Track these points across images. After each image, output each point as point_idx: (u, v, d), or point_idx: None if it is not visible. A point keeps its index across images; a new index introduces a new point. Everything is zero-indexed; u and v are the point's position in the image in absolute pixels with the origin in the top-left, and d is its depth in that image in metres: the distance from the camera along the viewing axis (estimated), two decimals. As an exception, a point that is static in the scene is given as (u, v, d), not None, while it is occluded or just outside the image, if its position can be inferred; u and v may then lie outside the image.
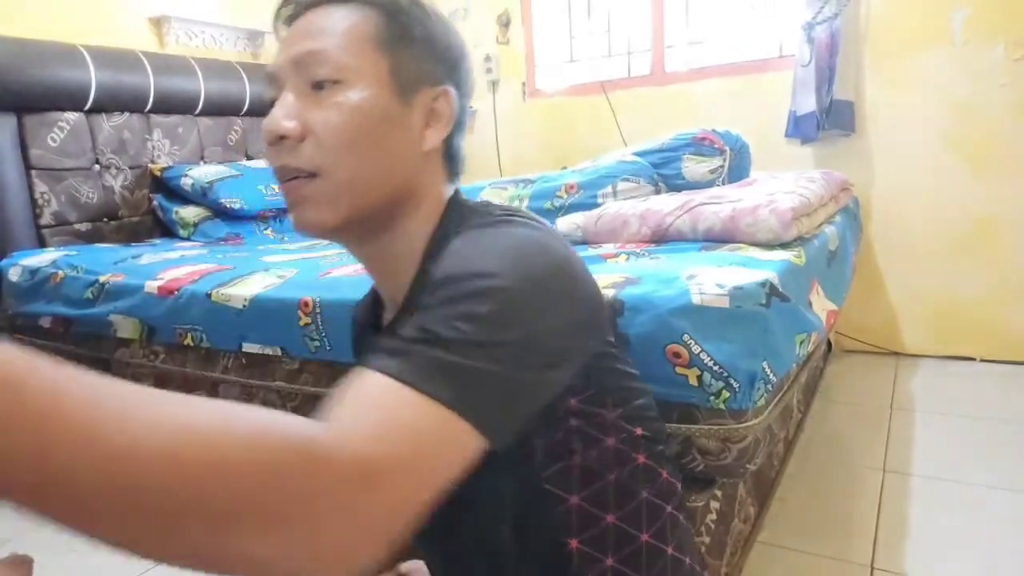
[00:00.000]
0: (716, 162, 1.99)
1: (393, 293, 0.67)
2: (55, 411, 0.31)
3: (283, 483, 0.35)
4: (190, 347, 1.68)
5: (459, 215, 0.66)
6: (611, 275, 1.20)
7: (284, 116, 0.58)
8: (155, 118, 2.61)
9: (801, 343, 1.28)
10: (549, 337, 0.52)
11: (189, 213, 2.50)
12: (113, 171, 2.47)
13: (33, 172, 2.23)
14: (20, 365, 0.31)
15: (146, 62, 2.51)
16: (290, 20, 0.63)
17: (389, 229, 0.64)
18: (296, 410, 1.54)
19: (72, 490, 0.31)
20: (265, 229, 2.60)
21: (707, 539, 1.16)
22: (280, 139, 0.58)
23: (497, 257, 0.51)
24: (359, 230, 0.63)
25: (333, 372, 1.46)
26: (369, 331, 0.74)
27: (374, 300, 0.75)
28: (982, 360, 2.52)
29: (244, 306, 1.55)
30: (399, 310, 0.66)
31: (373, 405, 0.42)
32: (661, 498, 0.70)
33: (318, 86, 0.59)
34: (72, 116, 2.34)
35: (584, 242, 1.67)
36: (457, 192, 0.69)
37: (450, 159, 0.68)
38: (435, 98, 0.64)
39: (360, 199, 0.60)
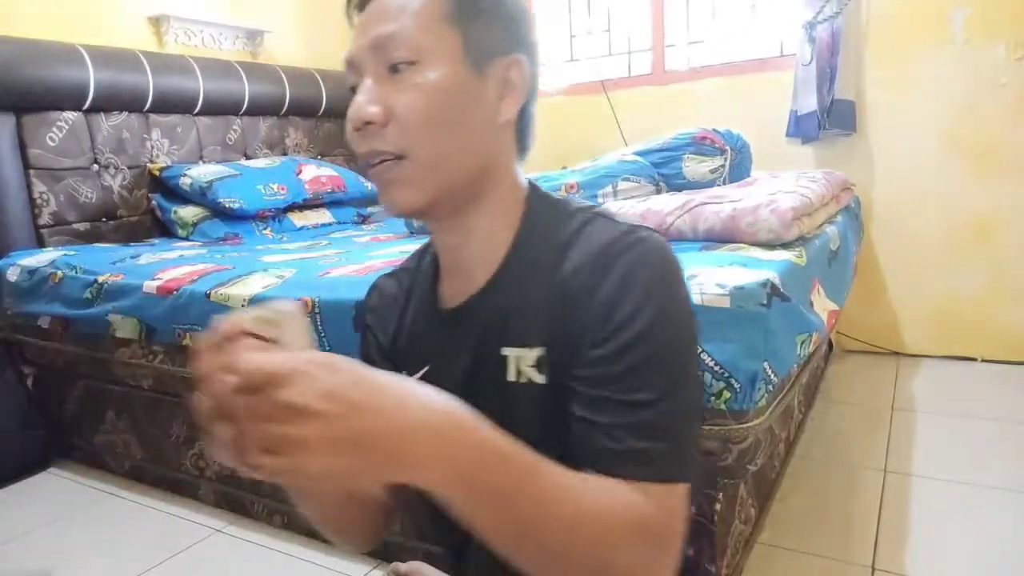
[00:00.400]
0: (717, 162, 1.99)
1: (467, 265, 0.66)
2: (526, 477, 0.47)
3: (643, 558, 0.52)
4: (189, 347, 1.67)
5: (550, 207, 0.67)
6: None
7: (367, 102, 0.59)
8: (154, 117, 2.60)
9: (802, 343, 1.27)
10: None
11: (188, 213, 2.49)
12: (112, 171, 2.46)
13: (32, 172, 2.23)
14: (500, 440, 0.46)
15: (145, 61, 2.50)
16: (362, 4, 0.63)
17: (471, 203, 0.64)
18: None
19: (511, 521, 0.47)
20: (264, 229, 2.59)
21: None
22: (366, 125, 0.59)
23: (668, 301, 0.58)
24: (445, 207, 0.63)
25: (332, 372, 1.45)
26: (428, 303, 0.71)
27: (434, 271, 0.72)
28: (983, 360, 2.52)
29: (243, 306, 1.54)
30: (481, 291, 0.65)
31: (653, 507, 0.53)
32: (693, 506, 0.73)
33: (395, 69, 0.59)
34: (71, 116, 2.34)
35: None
36: (532, 183, 0.69)
37: (522, 130, 0.67)
38: (508, 68, 0.63)
39: (445, 177, 0.61)
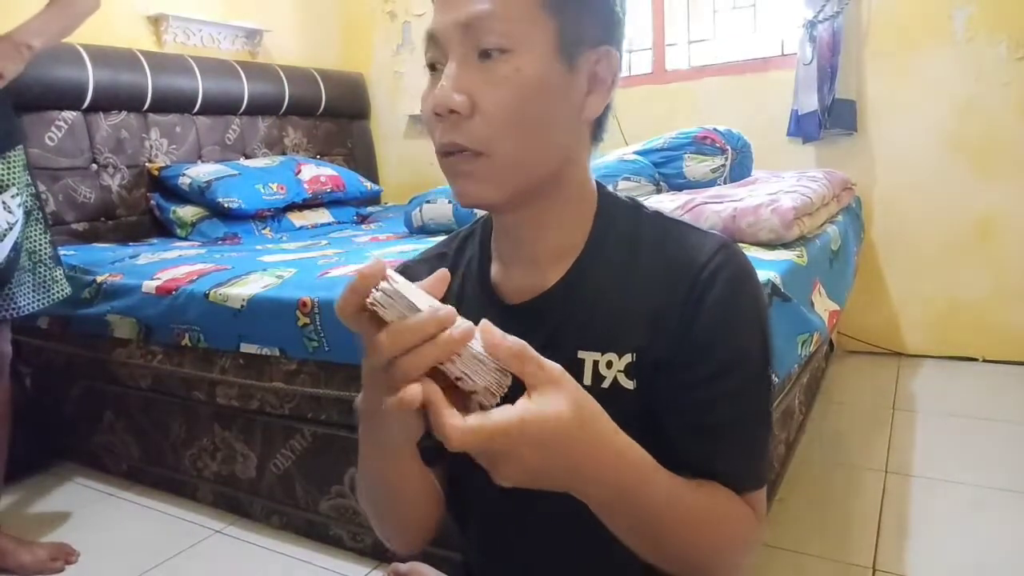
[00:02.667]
0: (718, 161, 1.98)
1: (538, 260, 0.64)
2: (644, 475, 0.52)
3: (750, 547, 0.61)
4: (187, 347, 1.66)
5: (623, 207, 0.65)
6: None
7: (454, 89, 0.54)
8: (153, 117, 2.60)
9: (803, 343, 1.27)
10: None
11: (187, 213, 2.49)
12: (111, 170, 2.46)
13: (30, 171, 2.22)
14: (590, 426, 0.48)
15: (144, 61, 2.50)
16: None
17: (547, 198, 0.61)
18: (294, 411, 1.53)
19: (628, 509, 0.52)
20: (263, 229, 2.58)
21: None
22: (449, 113, 0.55)
23: (762, 322, 0.61)
24: (518, 203, 0.60)
25: (331, 373, 1.45)
26: (483, 295, 0.67)
27: (482, 260, 0.69)
28: (984, 360, 2.51)
29: (242, 306, 1.53)
30: (554, 288, 0.63)
31: (752, 508, 0.60)
32: None
33: (485, 54, 0.55)
34: (70, 115, 2.33)
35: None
36: (600, 183, 0.67)
37: (600, 123, 0.63)
38: (597, 61, 0.58)
39: (525, 177, 0.58)
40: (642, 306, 0.60)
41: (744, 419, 0.60)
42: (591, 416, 0.47)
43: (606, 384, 0.60)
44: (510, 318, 0.63)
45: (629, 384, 0.60)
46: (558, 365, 0.45)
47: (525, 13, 0.55)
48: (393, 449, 0.59)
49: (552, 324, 0.62)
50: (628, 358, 0.60)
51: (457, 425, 0.42)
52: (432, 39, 0.57)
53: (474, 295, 0.68)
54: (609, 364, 0.60)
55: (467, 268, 0.69)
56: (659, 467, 0.53)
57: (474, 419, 0.42)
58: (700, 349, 0.58)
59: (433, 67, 0.58)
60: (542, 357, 0.45)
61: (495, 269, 0.67)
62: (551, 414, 0.44)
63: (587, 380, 0.60)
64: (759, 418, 0.61)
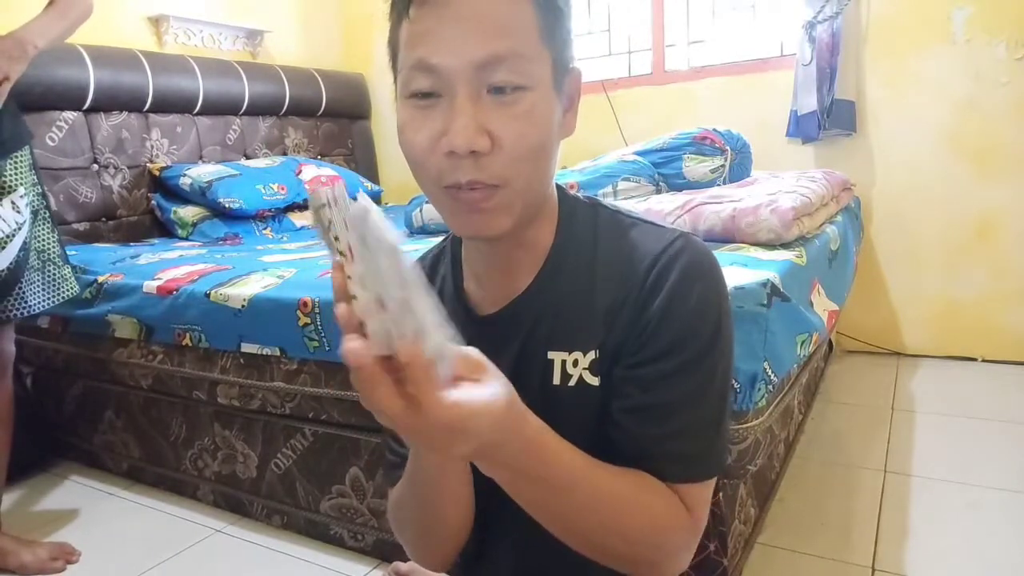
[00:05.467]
0: (717, 161, 1.99)
1: (509, 270, 0.65)
2: (547, 444, 0.52)
3: (677, 545, 0.60)
4: (188, 347, 1.67)
5: (584, 209, 0.66)
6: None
7: (476, 130, 0.53)
8: (153, 117, 2.60)
9: (802, 343, 1.27)
10: None
11: (188, 213, 2.49)
12: (111, 170, 2.46)
13: (37, 171, 2.22)
14: (519, 404, 0.49)
15: (144, 61, 2.50)
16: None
17: (532, 217, 0.62)
18: (295, 410, 1.53)
19: (550, 493, 0.53)
20: (264, 229, 2.59)
21: (708, 541, 1.15)
22: (471, 153, 0.54)
23: (716, 310, 0.60)
24: (519, 226, 0.60)
25: (332, 372, 1.45)
26: (458, 309, 0.68)
27: (456, 276, 0.70)
28: (983, 360, 2.51)
29: (243, 306, 1.54)
30: (523, 294, 0.64)
31: (690, 503, 0.59)
32: None
33: (499, 91, 0.54)
34: (70, 115, 2.33)
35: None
36: (559, 185, 0.68)
37: None
38: (571, 82, 0.61)
39: (531, 199, 0.59)
40: (604, 302, 0.61)
41: (686, 401, 0.58)
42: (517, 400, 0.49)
43: (572, 382, 0.61)
44: (486, 328, 0.66)
45: (594, 381, 0.61)
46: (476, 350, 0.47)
47: (533, 50, 0.55)
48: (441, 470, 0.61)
49: (524, 329, 0.64)
50: (592, 355, 0.61)
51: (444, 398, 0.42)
52: (430, 69, 0.54)
53: (451, 311, 0.69)
54: (575, 363, 0.62)
55: (442, 287, 0.71)
56: (571, 447, 0.53)
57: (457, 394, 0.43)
58: (650, 332, 0.59)
59: (421, 95, 0.55)
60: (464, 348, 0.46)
61: (469, 284, 0.69)
62: (502, 395, 0.46)
63: (556, 380, 0.62)
64: (702, 401, 0.59)
